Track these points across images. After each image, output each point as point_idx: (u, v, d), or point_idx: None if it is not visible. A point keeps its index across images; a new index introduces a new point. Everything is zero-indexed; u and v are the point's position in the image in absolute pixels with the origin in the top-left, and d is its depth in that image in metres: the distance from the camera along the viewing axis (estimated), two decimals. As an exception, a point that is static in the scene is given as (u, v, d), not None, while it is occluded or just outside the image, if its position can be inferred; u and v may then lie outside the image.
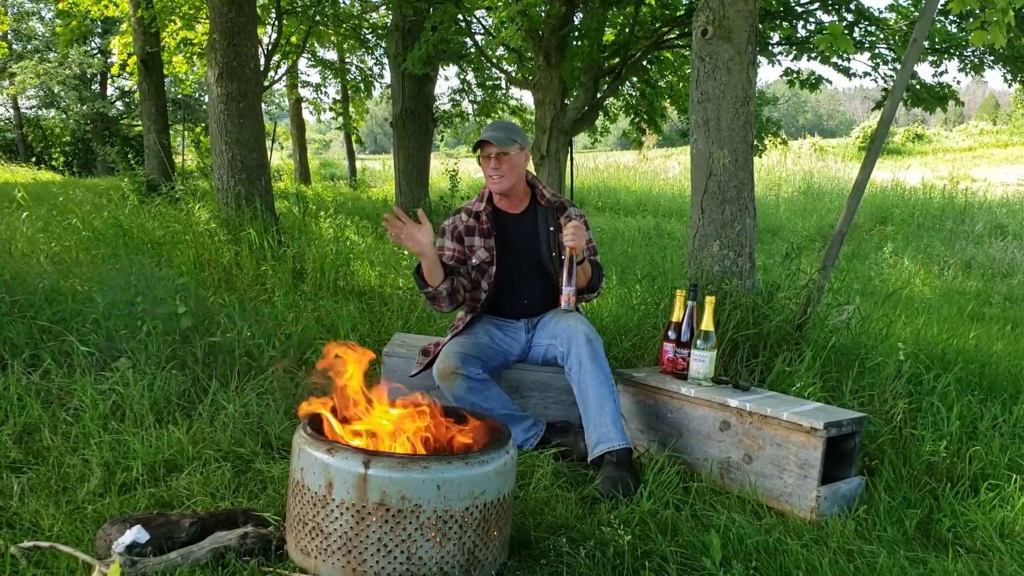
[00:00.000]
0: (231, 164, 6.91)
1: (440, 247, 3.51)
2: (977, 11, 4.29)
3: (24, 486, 2.64)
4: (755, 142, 4.33)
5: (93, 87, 26.18)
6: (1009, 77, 8.36)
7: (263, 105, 8.04)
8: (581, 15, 9.40)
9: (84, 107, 25.05)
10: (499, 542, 2.29)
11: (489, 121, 14.08)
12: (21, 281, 4.42)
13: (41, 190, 11.04)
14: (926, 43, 7.76)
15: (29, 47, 24.65)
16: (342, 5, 12.89)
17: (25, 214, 6.62)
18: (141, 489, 2.69)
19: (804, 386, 3.59)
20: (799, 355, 3.81)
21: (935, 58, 8.37)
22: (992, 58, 8.23)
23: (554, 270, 3.43)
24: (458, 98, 13.66)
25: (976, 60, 8.43)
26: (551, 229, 3.44)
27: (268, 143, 11.25)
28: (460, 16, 9.10)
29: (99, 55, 25.00)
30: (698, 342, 3.22)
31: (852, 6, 8.52)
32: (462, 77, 13.40)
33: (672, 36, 9.49)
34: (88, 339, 3.80)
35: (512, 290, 3.47)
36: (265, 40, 11.09)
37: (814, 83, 9.37)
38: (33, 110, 27.65)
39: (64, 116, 26.23)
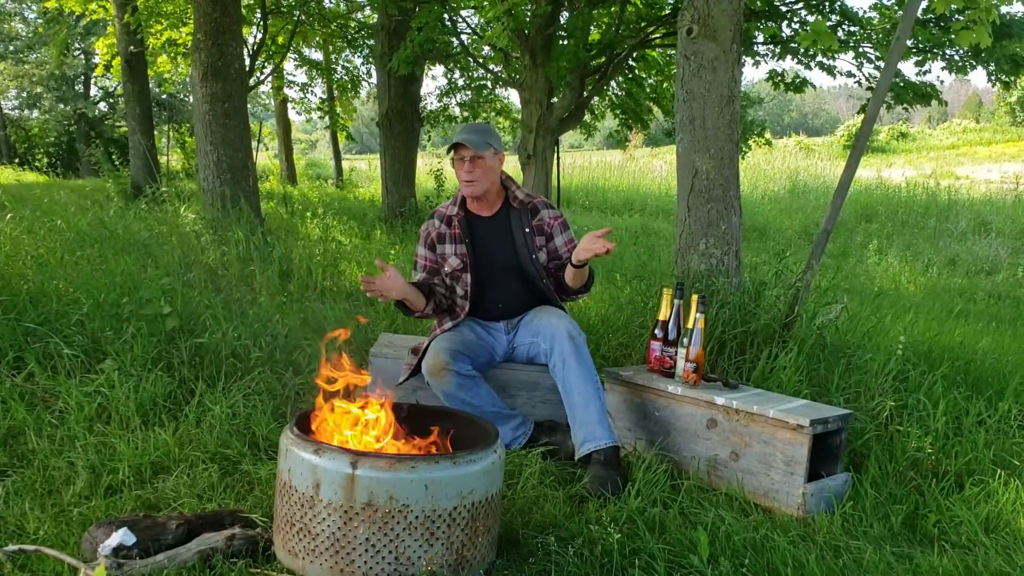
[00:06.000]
0: (216, 165, 6.89)
1: (416, 255, 3.52)
2: (959, 14, 4.31)
3: (9, 489, 2.63)
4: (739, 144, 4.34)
5: (76, 87, 25.98)
6: (993, 75, 8.37)
7: (248, 105, 8.01)
8: (567, 14, 9.41)
9: (67, 107, 24.86)
10: (487, 541, 2.29)
11: (477, 121, 14.07)
12: (5, 283, 4.37)
13: (24, 191, 10.94)
14: (910, 43, 7.79)
15: (11, 48, 24.44)
16: (327, 5, 12.85)
17: (9, 215, 6.56)
18: (127, 491, 2.67)
19: (791, 383, 3.61)
20: (786, 353, 3.83)
21: (920, 58, 8.39)
22: (974, 60, 8.24)
23: (535, 272, 3.41)
24: (446, 99, 13.62)
25: (959, 61, 8.45)
26: (526, 231, 3.40)
27: (253, 143, 11.20)
28: (446, 16, 9.09)
29: (81, 56, 24.81)
30: (685, 340, 3.22)
31: (836, 6, 8.56)
32: (449, 77, 13.36)
33: (657, 35, 9.50)
34: (73, 341, 3.77)
35: (487, 294, 3.43)
36: (250, 40, 11.04)
37: (798, 85, 9.36)
38: (15, 111, 27.43)
39: (46, 117, 26.02)
